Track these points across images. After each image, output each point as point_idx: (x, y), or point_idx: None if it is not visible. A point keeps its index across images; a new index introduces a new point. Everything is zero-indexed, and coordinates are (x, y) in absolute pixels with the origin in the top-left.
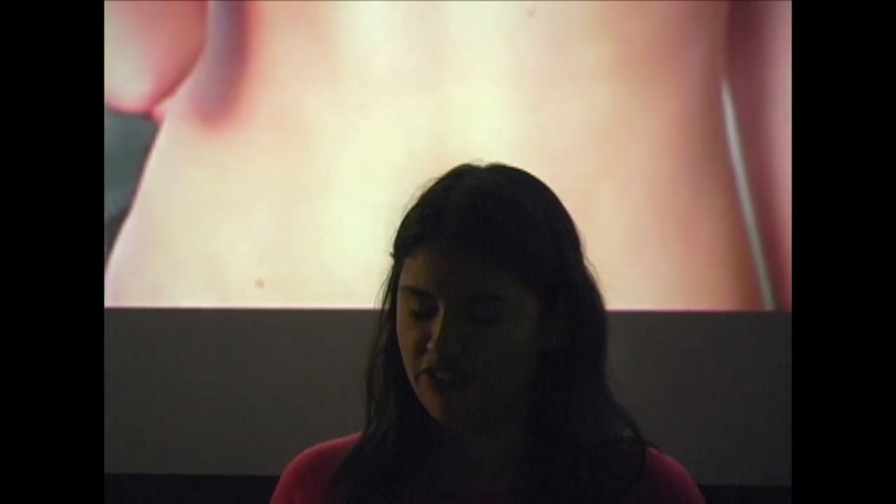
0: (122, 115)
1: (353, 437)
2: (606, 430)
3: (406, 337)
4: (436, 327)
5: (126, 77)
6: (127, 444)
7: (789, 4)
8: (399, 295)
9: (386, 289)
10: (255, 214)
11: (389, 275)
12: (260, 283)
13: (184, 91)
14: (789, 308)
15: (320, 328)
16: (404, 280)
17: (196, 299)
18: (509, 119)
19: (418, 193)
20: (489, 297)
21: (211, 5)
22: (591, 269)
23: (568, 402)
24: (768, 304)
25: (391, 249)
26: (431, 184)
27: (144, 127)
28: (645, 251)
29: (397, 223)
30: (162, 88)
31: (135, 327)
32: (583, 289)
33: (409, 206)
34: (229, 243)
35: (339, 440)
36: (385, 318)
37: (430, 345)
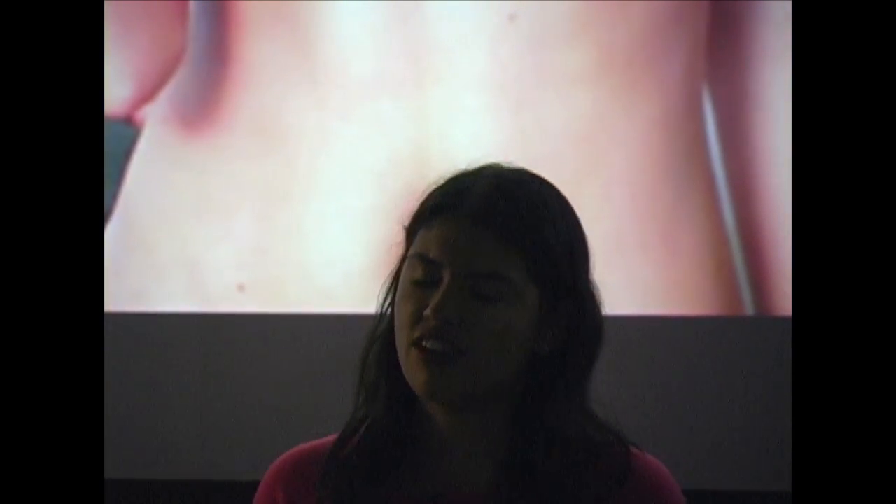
0: None
1: (334, 437)
2: (591, 433)
3: (405, 307)
4: (436, 297)
5: (107, 82)
6: (108, 448)
7: (770, 8)
8: (406, 264)
9: (391, 281)
10: (236, 219)
11: (396, 266)
12: (241, 288)
13: (164, 95)
14: (770, 312)
15: (301, 333)
16: (415, 248)
17: (177, 304)
18: (490, 123)
19: (441, 180)
20: (494, 276)
21: (191, 8)
22: (594, 284)
23: (554, 408)
24: (749, 309)
25: (406, 223)
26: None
27: (125, 131)
28: (626, 255)
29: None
30: (143, 93)
31: (116, 333)
32: (586, 299)
33: (434, 186)
34: (210, 248)
35: (320, 441)
36: (385, 307)
37: (428, 311)
